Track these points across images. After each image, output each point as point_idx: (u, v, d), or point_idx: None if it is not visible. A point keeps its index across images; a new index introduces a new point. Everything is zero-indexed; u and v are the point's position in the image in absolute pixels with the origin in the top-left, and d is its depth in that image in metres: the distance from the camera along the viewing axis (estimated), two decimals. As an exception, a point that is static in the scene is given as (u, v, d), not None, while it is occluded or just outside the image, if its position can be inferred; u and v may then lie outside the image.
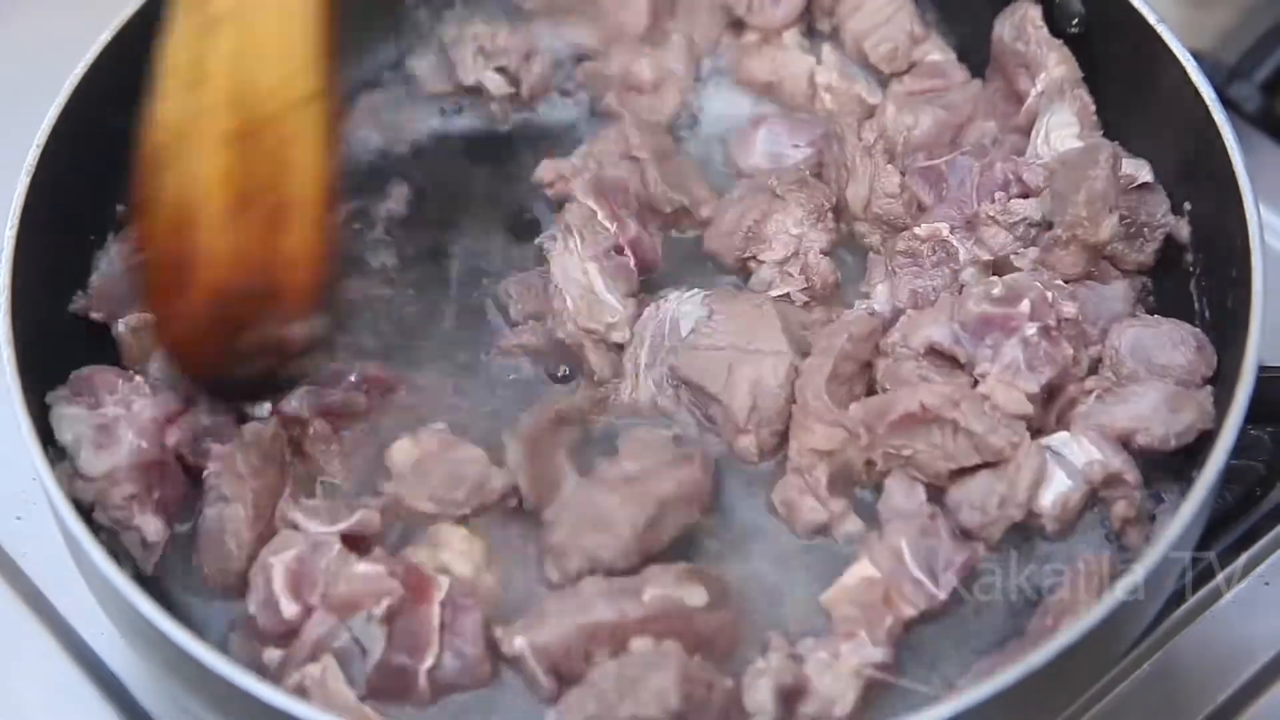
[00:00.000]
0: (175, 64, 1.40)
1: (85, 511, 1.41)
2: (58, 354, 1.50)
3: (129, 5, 1.58)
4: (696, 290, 1.57)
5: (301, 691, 1.32)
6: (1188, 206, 1.56)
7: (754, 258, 1.61)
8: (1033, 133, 1.62)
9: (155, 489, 1.45)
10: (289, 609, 1.36)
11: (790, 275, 1.58)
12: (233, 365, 1.45)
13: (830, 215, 1.62)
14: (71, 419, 1.46)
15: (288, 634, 1.36)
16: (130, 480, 1.44)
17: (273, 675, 1.35)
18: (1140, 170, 1.57)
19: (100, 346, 1.58)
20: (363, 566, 1.38)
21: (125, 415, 1.46)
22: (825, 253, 1.60)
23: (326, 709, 1.29)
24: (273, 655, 1.37)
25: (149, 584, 1.42)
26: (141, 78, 1.61)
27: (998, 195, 1.57)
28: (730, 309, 1.54)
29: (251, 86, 1.38)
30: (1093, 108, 1.62)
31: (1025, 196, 1.57)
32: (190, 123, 1.39)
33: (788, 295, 1.58)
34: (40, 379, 1.41)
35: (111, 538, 1.44)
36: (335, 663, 1.33)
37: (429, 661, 1.35)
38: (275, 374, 1.47)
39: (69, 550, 1.39)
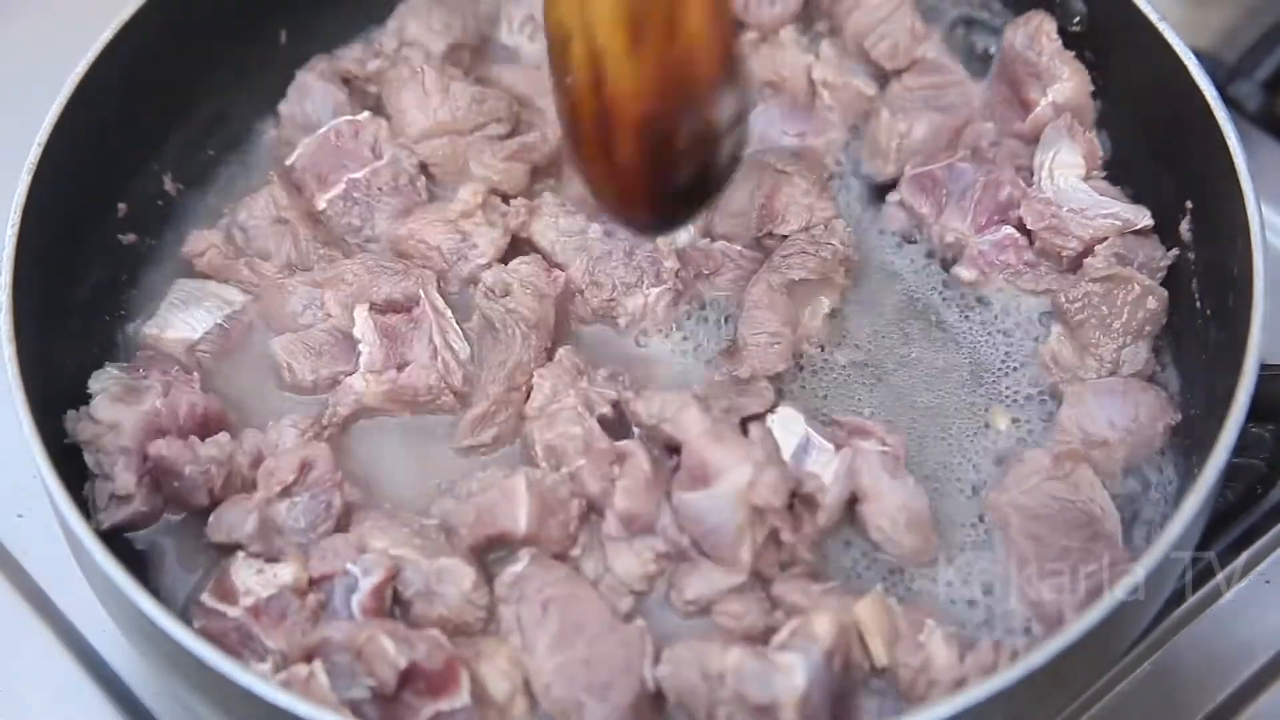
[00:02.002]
0: None
1: (83, 506, 1.41)
2: (58, 351, 1.51)
3: (129, 5, 1.59)
4: None
5: (285, 686, 1.30)
6: (1189, 205, 1.56)
7: (769, 233, 1.63)
8: (1036, 163, 1.62)
9: (152, 461, 1.44)
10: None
11: (819, 242, 1.59)
12: (672, 177, 1.45)
13: (829, 184, 1.65)
14: (108, 376, 1.48)
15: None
16: (132, 436, 1.44)
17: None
18: (1139, 217, 1.57)
19: (100, 346, 1.59)
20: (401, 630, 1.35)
21: (159, 385, 1.47)
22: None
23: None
24: (262, 668, 1.36)
25: (150, 580, 1.43)
26: (142, 76, 1.61)
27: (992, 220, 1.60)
28: None
29: None
30: (1100, 153, 1.63)
31: (1021, 225, 1.59)
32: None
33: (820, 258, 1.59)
34: (41, 377, 1.41)
35: (81, 485, 1.44)
36: (323, 673, 1.32)
37: None
38: (708, 174, 1.46)
39: (70, 548, 1.39)
